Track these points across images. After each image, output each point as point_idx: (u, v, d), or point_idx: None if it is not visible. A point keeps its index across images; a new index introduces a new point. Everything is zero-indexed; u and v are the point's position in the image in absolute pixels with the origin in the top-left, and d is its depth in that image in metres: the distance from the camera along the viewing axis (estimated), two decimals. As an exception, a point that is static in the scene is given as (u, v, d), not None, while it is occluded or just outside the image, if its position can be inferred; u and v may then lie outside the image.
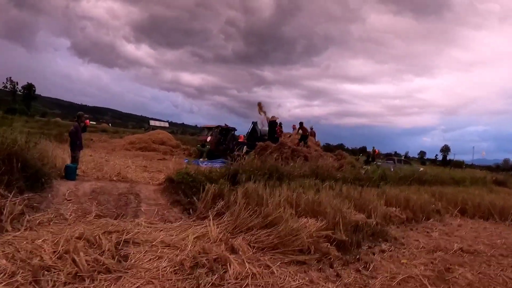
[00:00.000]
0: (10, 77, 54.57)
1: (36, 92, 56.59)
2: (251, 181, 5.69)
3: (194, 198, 5.38)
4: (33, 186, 4.97)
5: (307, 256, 3.86)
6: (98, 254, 3.19)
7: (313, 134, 16.58)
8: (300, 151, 12.50)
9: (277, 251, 3.87)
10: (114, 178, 7.35)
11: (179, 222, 4.69)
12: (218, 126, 16.97)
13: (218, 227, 4.27)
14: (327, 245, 4.15)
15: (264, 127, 16.75)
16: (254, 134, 16.10)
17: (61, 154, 8.03)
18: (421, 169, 16.12)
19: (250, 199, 4.86)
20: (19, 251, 3.04)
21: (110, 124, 74.16)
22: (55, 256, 3.02)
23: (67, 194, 5.28)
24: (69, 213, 4.47)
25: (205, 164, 12.20)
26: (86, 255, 3.08)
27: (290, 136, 15.78)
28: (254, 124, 16.57)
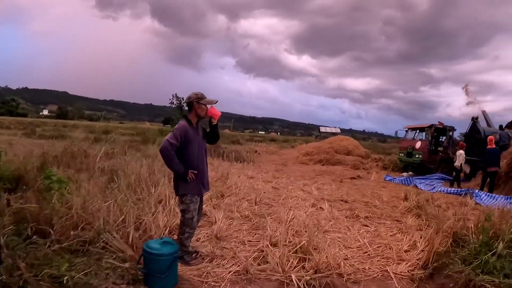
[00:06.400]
0: (176, 94, 52.74)
1: (203, 107, 59.80)
2: None
3: None
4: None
5: None
6: None
7: None
8: None
9: None
10: (280, 272, 2.74)
11: None
12: (431, 126, 11.74)
13: None
14: None
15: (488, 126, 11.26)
16: (475, 136, 10.40)
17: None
18: None
19: None
20: None
21: (278, 133, 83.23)
22: None
23: None
24: None
25: (422, 186, 8.67)
26: None
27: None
28: (475, 120, 10.80)
